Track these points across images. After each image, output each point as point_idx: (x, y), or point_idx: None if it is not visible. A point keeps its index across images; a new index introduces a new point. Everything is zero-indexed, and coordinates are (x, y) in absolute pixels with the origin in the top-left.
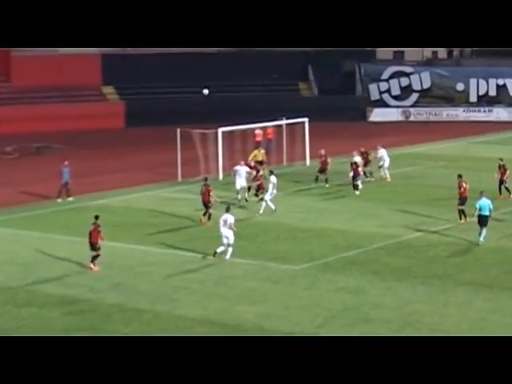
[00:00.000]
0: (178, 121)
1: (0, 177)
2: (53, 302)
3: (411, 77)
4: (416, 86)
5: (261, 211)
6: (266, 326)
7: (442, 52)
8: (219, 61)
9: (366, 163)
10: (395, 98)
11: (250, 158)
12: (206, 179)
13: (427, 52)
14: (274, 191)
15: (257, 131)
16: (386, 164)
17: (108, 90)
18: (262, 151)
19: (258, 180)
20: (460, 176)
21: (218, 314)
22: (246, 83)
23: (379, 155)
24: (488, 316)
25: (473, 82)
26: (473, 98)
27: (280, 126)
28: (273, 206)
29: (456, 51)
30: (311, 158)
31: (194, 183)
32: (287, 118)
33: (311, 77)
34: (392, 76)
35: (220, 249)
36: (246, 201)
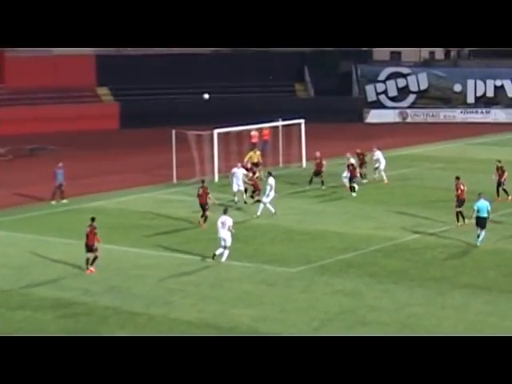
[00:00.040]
0: (173, 122)
1: None
2: (47, 305)
3: (408, 78)
4: (413, 87)
5: (258, 213)
6: (261, 329)
7: (439, 53)
8: (215, 62)
9: (361, 165)
10: (392, 99)
11: (246, 159)
12: (203, 181)
13: (424, 53)
14: (272, 193)
15: (252, 133)
16: (382, 166)
17: (102, 91)
18: (258, 153)
19: (252, 182)
20: (458, 178)
21: (214, 316)
22: (242, 84)
23: (375, 157)
24: (486, 319)
25: (470, 83)
26: (470, 99)
27: (276, 127)
28: (272, 210)
29: (453, 52)
30: (307, 159)
31: (190, 185)
32: (283, 120)
33: (307, 78)
34: (389, 77)
35: (219, 251)
36: (245, 203)
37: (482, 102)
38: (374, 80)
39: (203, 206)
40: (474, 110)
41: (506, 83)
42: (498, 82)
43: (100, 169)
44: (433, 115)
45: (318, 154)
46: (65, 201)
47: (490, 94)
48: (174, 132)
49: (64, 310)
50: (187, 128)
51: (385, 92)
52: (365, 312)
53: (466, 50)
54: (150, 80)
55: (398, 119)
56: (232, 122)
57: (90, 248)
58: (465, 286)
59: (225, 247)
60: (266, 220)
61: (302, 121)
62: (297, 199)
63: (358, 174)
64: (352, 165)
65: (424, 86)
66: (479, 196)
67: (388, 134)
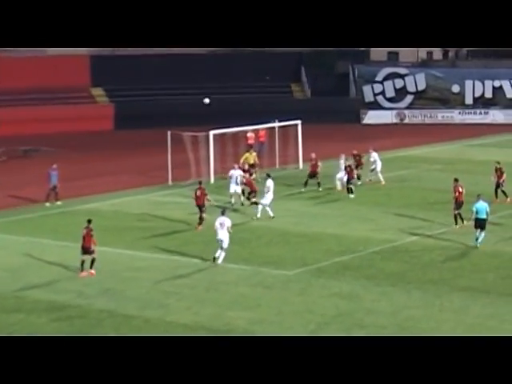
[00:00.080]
0: (168, 123)
1: None
2: (41, 308)
3: (406, 78)
4: (411, 88)
5: (258, 215)
6: (258, 332)
7: (437, 53)
8: (211, 62)
9: (357, 166)
10: (390, 99)
11: (241, 160)
12: (200, 182)
13: (422, 53)
14: (269, 195)
15: (249, 134)
16: (379, 167)
17: (97, 91)
18: (254, 154)
19: (248, 182)
20: (456, 180)
21: (210, 319)
22: (238, 85)
23: (372, 159)
24: (485, 322)
25: (468, 83)
26: (468, 100)
27: (272, 128)
28: (271, 213)
29: (451, 52)
30: (304, 161)
31: (185, 187)
32: (280, 121)
33: (304, 78)
34: (386, 77)
35: (218, 253)
36: (242, 205)
37: (481, 102)
38: (371, 80)
39: (200, 208)
40: (473, 111)
41: (505, 84)
42: (497, 83)
43: (94, 170)
44: (431, 116)
45: (313, 155)
46: (59, 202)
47: (489, 94)
48: (169, 133)
49: (58, 313)
50: (183, 129)
51: (382, 93)
52: (362, 315)
53: (464, 50)
54: (145, 81)
55: (395, 120)
56: (228, 123)
57: (86, 250)
58: (463, 288)
59: (221, 248)
60: (263, 222)
61: (299, 122)
62: (293, 201)
63: (356, 176)
64: (349, 166)
65: (422, 86)
66: (478, 197)
67: (385, 135)
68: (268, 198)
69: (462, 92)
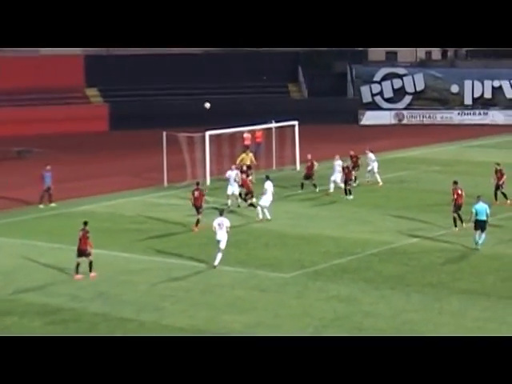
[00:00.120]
0: (163, 124)
1: None
2: (35, 311)
3: (404, 78)
4: (409, 88)
5: (260, 216)
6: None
7: (435, 53)
8: (206, 62)
9: (354, 167)
10: (388, 100)
11: (238, 161)
12: (198, 183)
13: (421, 53)
14: (267, 197)
15: (245, 135)
16: (375, 168)
17: (91, 92)
18: (250, 154)
19: (245, 184)
20: (455, 182)
21: (206, 323)
22: (234, 85)
23: (369, 160)
24: (484, 325)
25: (468, 83)
26: (468, 100)
27: (269, 129)
28: (268, 216)
29: (450, 52)
30: (301, 162)
31: (181, 188)
32: (276, 121)
33: (301, 78)
34: (384, 78)
35: (219, 256)
36: (238, 206)
37: (480, 103)
38: (369, 81)
39: (198, 209)
40: (472, 112)
41: (504, 84)
42: (496, 83)
43: (89, 172)
44: (429, 117)
45: (309, 156)
46: (53, 204)
47: (488, 95)
48: (164, 134)
49: (52, 317)
50: (178, 130)
51: (380, 93)
52: (360, 318)
53: (464, 50)
54: (140, 81)
55: (393, 121)
56: (224, 123)
57: (82, 253)
58: (462, 291)
59: (218, 249)
60: (260, 224)
61: (296, 122)
62: (290, 203)
63: (353, 177)
64: (347, 167)
65: (420, 86)
66: (478, 198)
67: (384, 136)
68: (266, 200)
69: (461, 92)
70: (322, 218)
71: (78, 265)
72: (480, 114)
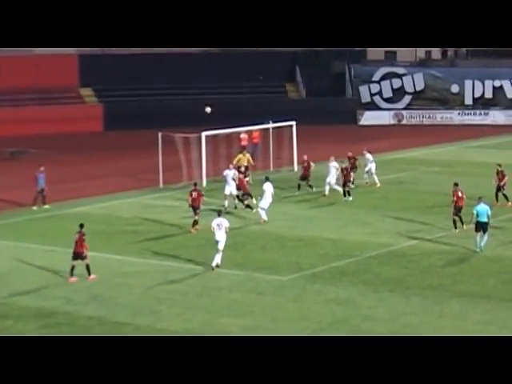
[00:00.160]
0: (159, 124)
1: None
2: (29, 315)
3: (404, 78)
4: (409, 88)
5: (264, 217)
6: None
7: (435, 52)
8: (203, 62)
9: (352, 168)
10: (387, 100)
11: (234, 162)
12: (195, 184)
13: (420, 52)
14: (266, 198)
15: (242, 135)
16: (373, 169)
17: (86, 91)
18: (247, 155)
19: (241, 184)
20: (456, 184)
21: (202, 326)
22: (231, 85)
23: (367, 161)
24: (485, 328)
25: (468, 83)
26: (468, 100)
27: (266, 129)
28: (265, 217)
29: (450, 51)
30: (299, 163)
31: (177, 190)
32: (274, 122)
33: (299, 78)
34: (384, 77)
35: (216, 259)
36: (235, 208)
37: (480, 103)
38: (368, 80)
39: (195, 210)
40: (472, 112)
41: (505, 84)
42: (497, 83)
43: (83, 173)
44: (429, 117)
45: (305, 157)
46: (47, 206)
47: (489, 94)
48: (160, 134)
49: (46, 320)
50: (174, 130)
51: (379, 93)
52: (359, 322)
53: (464, 49)
54: (135, 80)
55: (393, 121)
56: (221, 123)
57: (78, 256)
58: (463, 294)
59: (217, 250)
60: (256, 226)
61: (294, 123)
62: (288, 204)
63: (352, 179)
64: (346, 168)
65: (420, 86)
66: (479, 200)
67: (383, 137)
68: (266, 202)
69: (462, 92)
70: (320, 220)
71: (72, 267)
72: (480, 114)
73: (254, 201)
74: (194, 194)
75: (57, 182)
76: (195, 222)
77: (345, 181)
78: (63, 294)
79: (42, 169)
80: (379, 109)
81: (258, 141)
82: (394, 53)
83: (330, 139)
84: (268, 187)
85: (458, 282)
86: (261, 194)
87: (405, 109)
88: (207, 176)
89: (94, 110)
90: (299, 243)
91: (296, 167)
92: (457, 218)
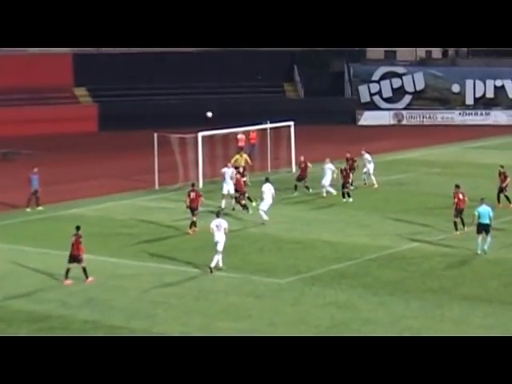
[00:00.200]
0: (155, 124)
1: None
2: (22, 318)
3: (404, 78)
4: (409, 88)
5: (265, 217)
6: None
7: (436, 51)
8: (200, 61)
9: (350, 170)
10: (387, 100)
11: (232, 162)
12: (193, 185)
13: (421, 51)
14: (266, 200)
15: (239, 136)
16: (371, 170)
17: (80, 91)
18: (245, 156)
19: (238, 183)
20: (457, 186)
21: (199, 330)
22: (228, 85)
23: (366, 161)
24: (486, 332)
25: (469, 83)
26: (469, 100)
27: (264, 129)
28: (266, 217)
29: (451, 51)
30: (297, 164)
31: (173, 191)
32: (272, 122)
33: (297, 77)
34: (383, 77)
35: (214, 261)
36: (233, 209)
37: (482, 103)
38: (367, 80)
39: (193, 211)
40: (473, 112)
41: (507, 83)
42: (499, 82)
43: (78, 174)
44: (430, 117)
45: (302, 158)
46: (40, 208)
47: (490, 94)
48: (156, 135)
49: (40, 324)
50: (170, 131)
51: (379, 93)
52: (358, 325)
53: (465, 48)
54: (130, 80)
55: (392, 121)
56: (218, 124)
57: (75, 258)
58: (464, 297)
59: (216, 251)
60: (254, 229)
61: (292, 123)
62: (286, 206)
63: (351, 180)
64: (345, 170)
65: (420, 86)
66: (481, 201)
67: (382, 137)
68: (266, 204)
69: (463, 92)
70: (319, 222)
71: (68, 270)
72: (482, 114)
73: (254, 203)
74: (192, 195)
75: (50, 184)
76: (193, 224)
77: (344, 182)
78: (58, 296)
79: (35, 170)
80: (379, 109)
81: (255, 141)
82: (394, 52)
83: (329, 140)
84: (268, 188)
85: (459, 285)
86: (260, 196)
87: (405, 109)
88: (204, 177)
89: (88, 110)
90: (297, 246)
91: (294, 168)
92: (458, 220)
